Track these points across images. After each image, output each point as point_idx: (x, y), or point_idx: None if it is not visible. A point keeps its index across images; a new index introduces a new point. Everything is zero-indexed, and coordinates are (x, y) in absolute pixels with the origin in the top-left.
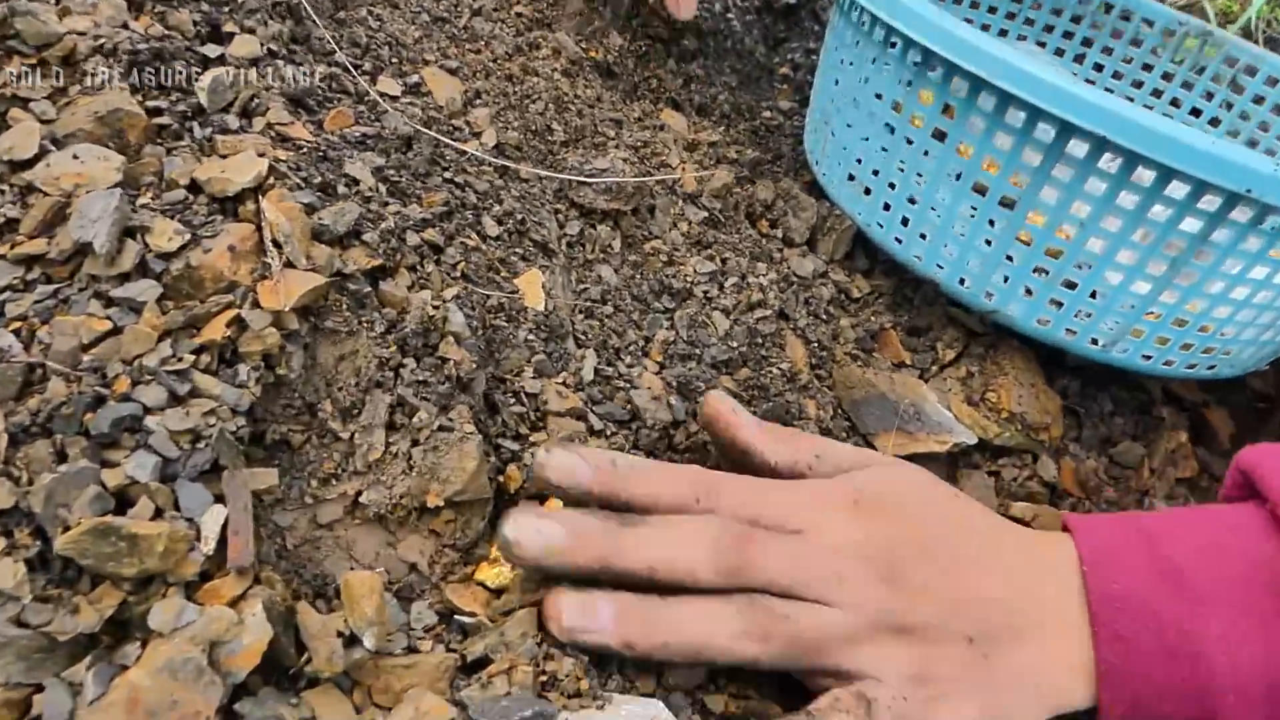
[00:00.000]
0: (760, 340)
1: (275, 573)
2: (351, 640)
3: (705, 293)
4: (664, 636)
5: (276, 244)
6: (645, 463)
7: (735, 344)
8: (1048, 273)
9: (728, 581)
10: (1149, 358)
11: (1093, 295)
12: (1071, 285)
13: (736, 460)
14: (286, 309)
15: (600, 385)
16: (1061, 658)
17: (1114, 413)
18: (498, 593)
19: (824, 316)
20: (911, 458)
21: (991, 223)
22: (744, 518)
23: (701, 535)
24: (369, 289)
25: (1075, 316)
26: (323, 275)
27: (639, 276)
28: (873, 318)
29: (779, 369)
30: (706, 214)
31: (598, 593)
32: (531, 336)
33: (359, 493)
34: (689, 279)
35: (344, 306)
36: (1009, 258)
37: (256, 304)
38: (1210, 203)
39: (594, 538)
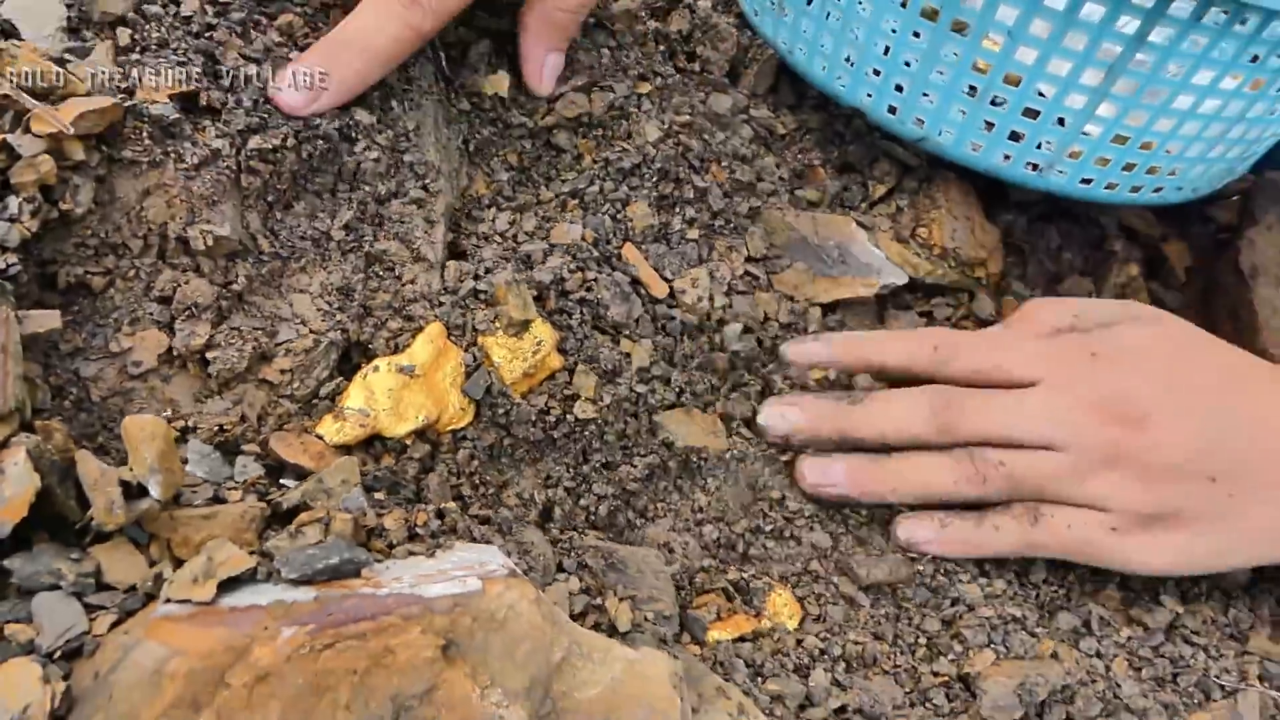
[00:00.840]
0: (674, 184)
1: (63, 422)
2: (142, 491)
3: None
4: (892, 484)
5: (58, 60)
6: (879, 333)
7: (648, 185)
8: (976, 90)
9: (945, 438)
10: (1089, 181)
11: (1027, 114)
12: (1003, 103)
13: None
14: (69, 134)
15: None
16: None
17: (1062, 248)
18: (342, 449)
19: (745, 156)
20: (838, 304)
21: (917, 34)
22: (978, 374)
23: (918, 403)
24: (177, 115)
25: (1009, 139)
26: (111, 98)
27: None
28: (800, 155)
29: (692, 213)
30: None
31: (834, 455)
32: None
33: (177, 341)
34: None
35: (145, 135)
36: (937, 74)
37: (28, 129)
38: None
39: (827, 417)
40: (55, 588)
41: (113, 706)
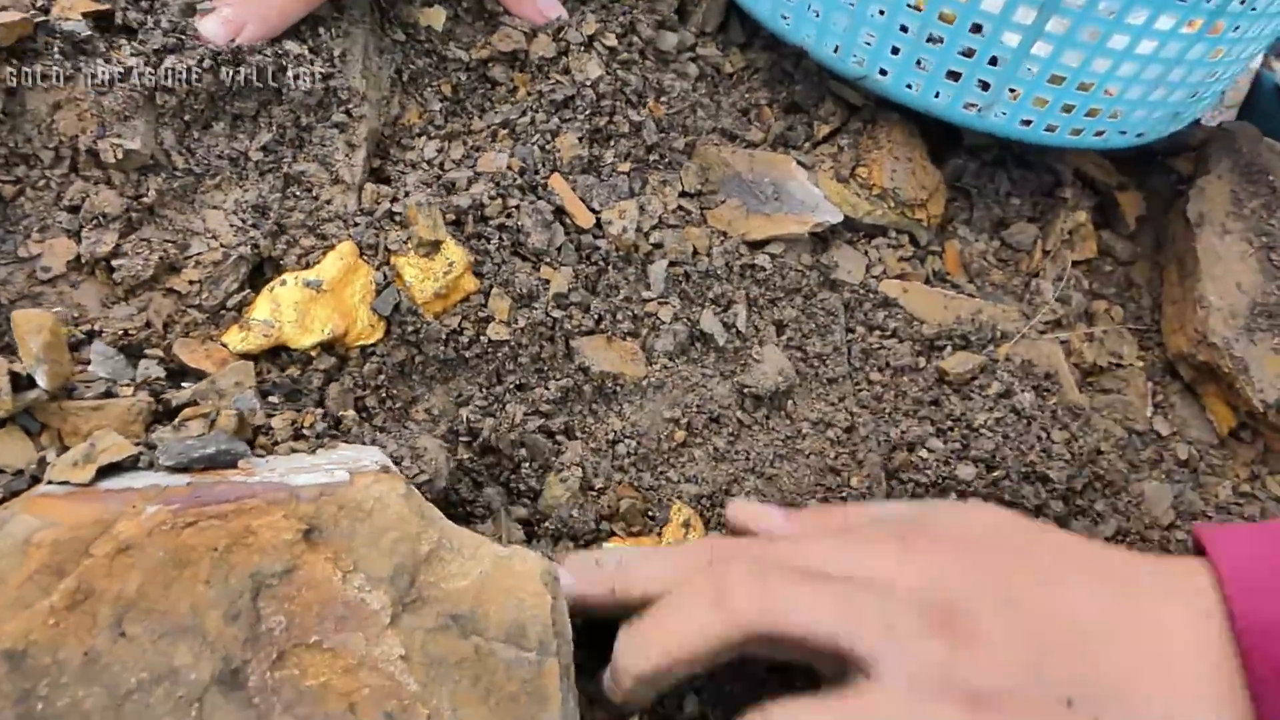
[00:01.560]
0: (608, 117)
1: None
2: (31, 382)
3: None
4: None
5: None
6: (649, 550)
7: (580, 117)
8: (908, 29)
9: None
10: (1028, 123)
11: (964, 54)
12: (939, 40)
13: None
14: None
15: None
16: None
17: (1011, 193)
18: (246, 357)
19: (684, 92)
20: (771, 240)
21: None
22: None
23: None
24: (89, 32)
25: (947, 78)
26: (22, 13)
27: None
28: (747, 95)
29: (626, 146)
30: None
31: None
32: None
33: (84, 248)
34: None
35: (57, 50)
36: (877, 12)
37: None
38: None
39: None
40: None
41: None
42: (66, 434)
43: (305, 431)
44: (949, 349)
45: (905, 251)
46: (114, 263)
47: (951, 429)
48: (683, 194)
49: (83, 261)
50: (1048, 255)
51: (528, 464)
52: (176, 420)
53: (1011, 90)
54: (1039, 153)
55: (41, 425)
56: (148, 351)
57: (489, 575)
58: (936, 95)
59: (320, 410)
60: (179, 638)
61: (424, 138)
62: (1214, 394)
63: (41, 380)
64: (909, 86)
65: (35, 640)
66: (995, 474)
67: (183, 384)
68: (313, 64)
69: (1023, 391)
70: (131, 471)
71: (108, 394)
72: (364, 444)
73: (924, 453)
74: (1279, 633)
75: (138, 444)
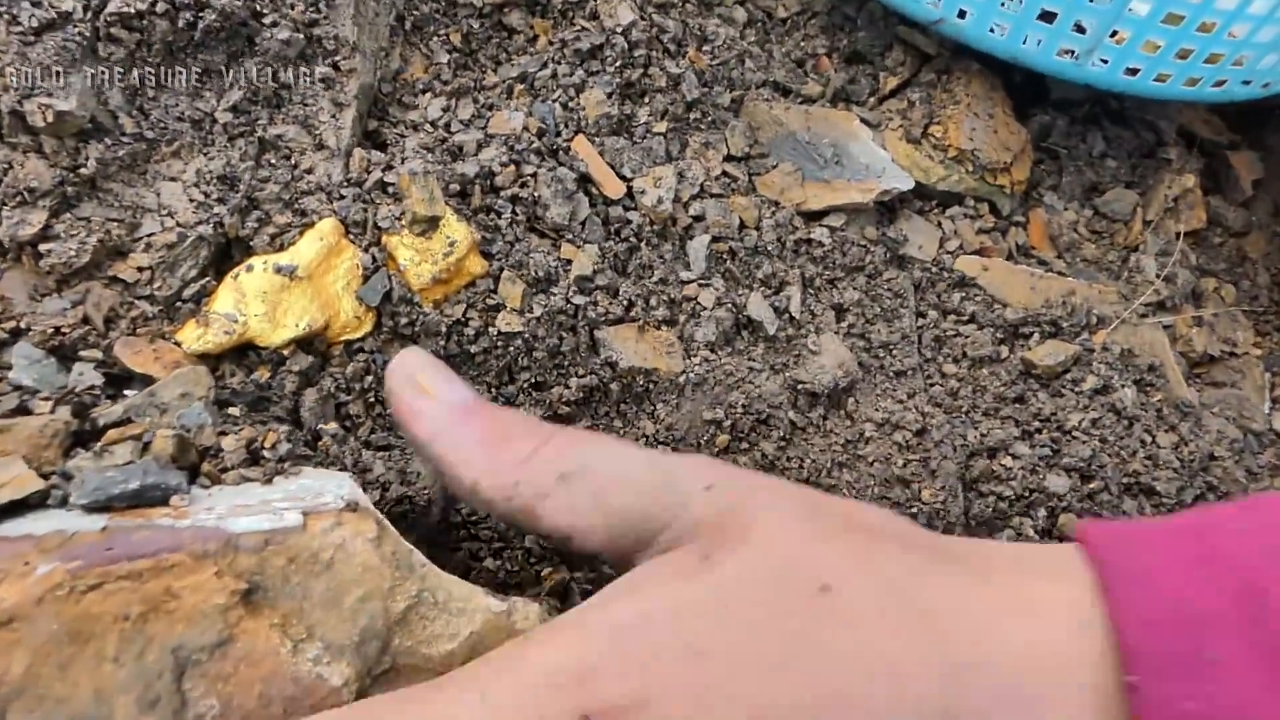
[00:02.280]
0: (642, 69)
1: None
2: None
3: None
4: None
5: None
6: None
7: (610, 70)
8: None
9: None
10: (1135, 72)
11: None
12: None
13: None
14: None
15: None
16: None
17: (1107, 154)
18: (204, 359)
19: (730, 40)
20: (830, 211)
21: None
22: None
23: None
24: None
25: (1039, 20)
26: None
27: None
28: (803, 43)
29: (663, 103)
30: None
31: None
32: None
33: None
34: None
35: None
36: None
37: None
38: None
39: None
40: None
41: None
42: None
43: (265, 454)
44: (1036, 337)
45: (985, 223)
46: (43, 247)
47: (1040, 431)
48: (728, 158)
49: (5, 246)
50: (1149, 226)
51: None
52: (100, 444)
53: (1114, 34)
54: (1138, 107)
55: None
56: (83, 354)
57: (481, 636)
58: (1025, 41)
59: (286, 427)
60: None
61: (428, 95)
62: None
63: None
64: (992, 30)
65: None
66: (1092, 485)
67: (126, 392)
68: (292, 8)
69: (1123, 387)
70: (38, 510)
71: (21, 409)
72: (342, 466)
73: (1008, 460)
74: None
75: (51, 473)
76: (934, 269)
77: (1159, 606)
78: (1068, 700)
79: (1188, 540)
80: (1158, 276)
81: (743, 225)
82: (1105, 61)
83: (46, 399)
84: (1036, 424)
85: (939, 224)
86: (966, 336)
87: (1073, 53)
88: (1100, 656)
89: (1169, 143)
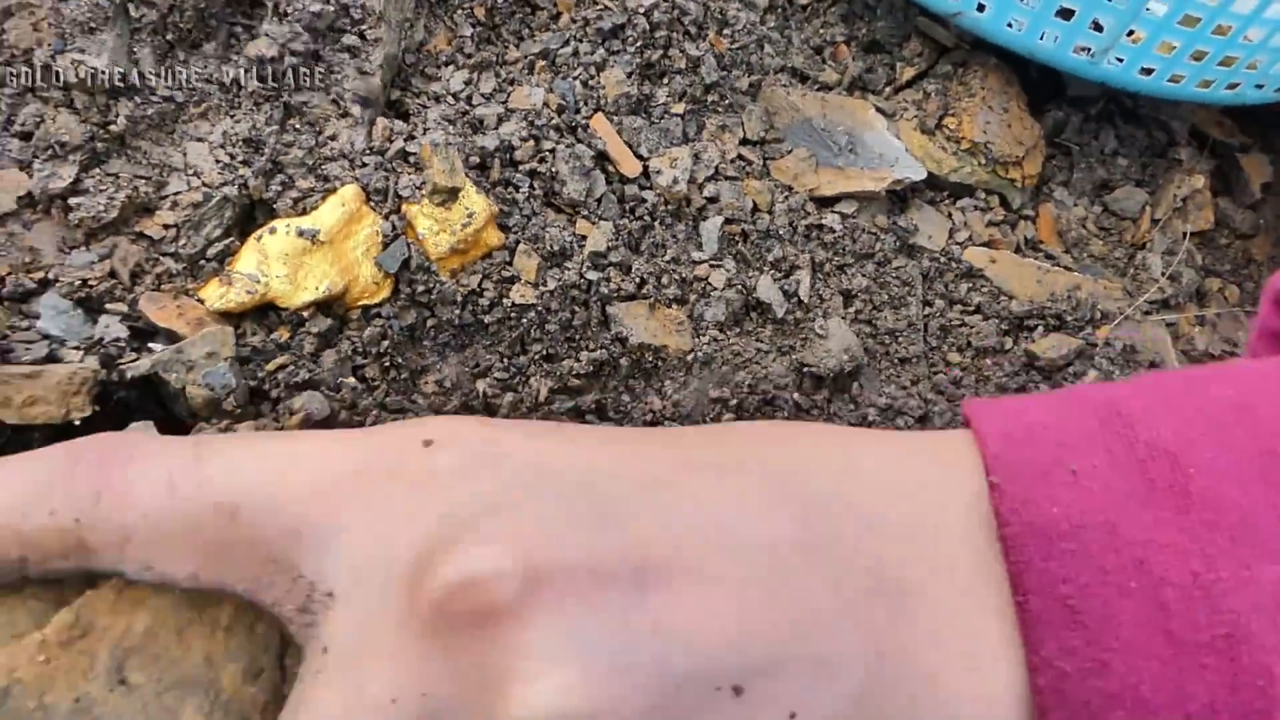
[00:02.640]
0: (662, 50)
1: None
2: None
3: None
4: None
5: None
6: None
7: (630, 49)
8: None
9: None
10: (1149, 72)
11: None
12: None
13: None
14: None
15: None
16: (958, 669)
17: (1119, 152)
18: (225, 316)
19: (751, 25)
20: (842, 197)
21: None
22: None
23: None
24: None
25: (1057, 16)
26: None
27: None
28: (822, 30)
29: (681, 84)
30: None
31: None
32: None
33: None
34: None
35: None
36: None
37: None
38: None
39: None
40: None
41: None
42: (1, 406)
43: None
44: (1040, 329)
45: (995, 215)
46: (72, 201)
47: None
48: (744, 141)
49: (35, 198)
50: (1156, 224)
51: None
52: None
53: (1131, 33)
54: (1151, 107)
55: None
56: (109, 306)
57: None
58: (1042, 36)
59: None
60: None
61: (451, 67)
62: None
63: None
64: (1010, 25)
65: (20, 679)
66: None
67: (151, 345)
68: None
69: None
70: None
71: (50, 358)
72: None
73: None
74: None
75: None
76: (942, 259)
77: (1020, 427)
78: (946, 494)
79: (1062, 394)
80: (1163, 275)
81: (755, 208)
82: (1121, 60)
83: (75, 348)
84: None
85: (949, 215)
86: (972, 327)
87: (1089, 50)
88: (974, 469)
89: (1180, 143)
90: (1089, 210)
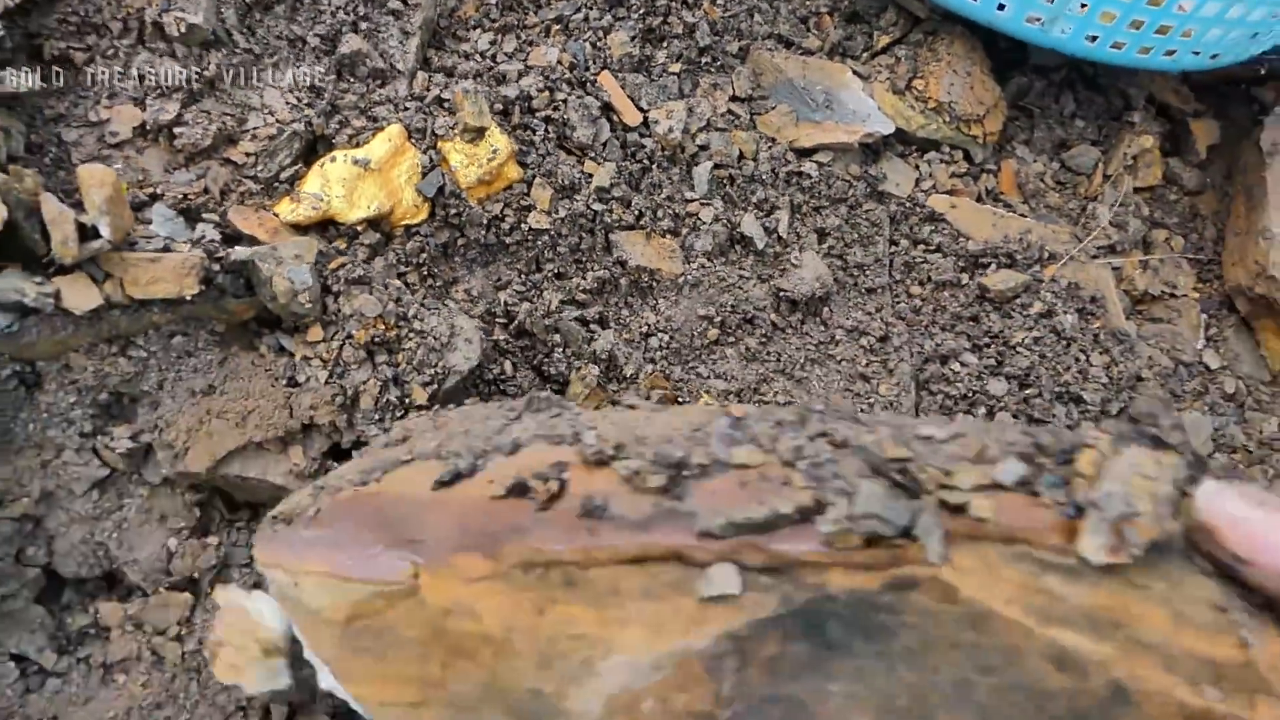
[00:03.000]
0: (661, 17)
1: (41, 175)
2: (96, 233)
3: None
4: None
5: None
6: None
7: (634, 16)
8: None
9: None
10: (1094, 39)
11: None
12: None
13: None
14: None
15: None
16: None
17: (1077, 115)
18: (295, 228)
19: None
20: (819, 148)
21: None
22: None
23: None
24: None
25: None
26: None
27: None
28: (807, 2)
29: (678, 47)
30: None
31: None
32: None
33: (148, 115)
34: None
35: None
36: None
37: None
38: None
39: None
40: (20, 304)
41: None
42: (128, 284)
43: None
44: (993, 266)
45: (958, 168)
46: (176, 130)
47: (988, 345)
48: (733, 98)
49: (147, 128)
50: (1108, 180)
51: (560, 349)
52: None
53: (1083, 4)
54: (1111, 75)
55: (106, 274)
56: (205, 216)
57: None
58: (1000, 8)
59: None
60: None
61: (479, 30)
62: (1269, 329)
63: (104, 231)
64: None
65: None
66: (1028, 391)
67: (237, 248)
68: None
69: (1065, 313)
70: None
71: (165, 249)
72: (401, 317)
73: (956, 366)
74: None
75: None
76: (908, 204)
77: None
78: None
79: None
80: (1110, 222)
81: (742, 156)
82: (1068, 29)
83: (184, 244)
84: (986, 339)
85: (916, 166)
86: (932, 263)
87: (1040, 20)
88: None
89: (1136, 108)
90: (1047, 166)
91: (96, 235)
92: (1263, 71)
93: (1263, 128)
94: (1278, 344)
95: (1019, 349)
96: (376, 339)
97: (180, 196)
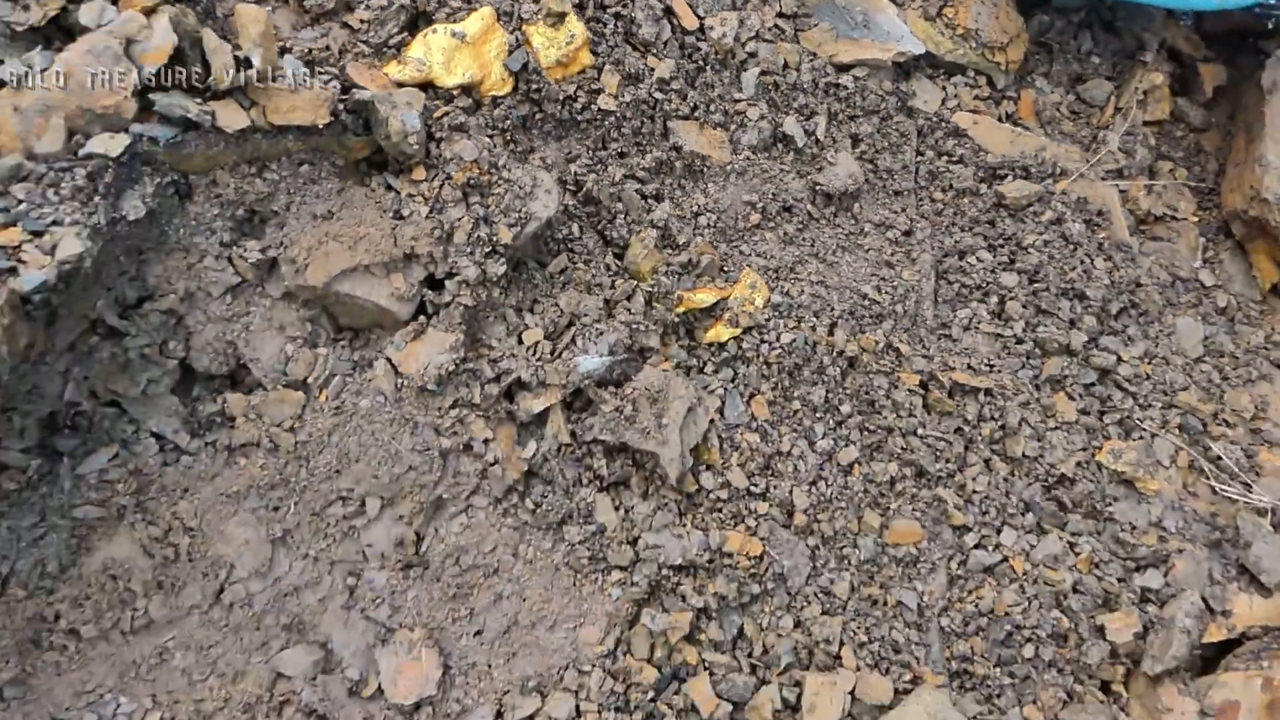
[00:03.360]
0: None
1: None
2: (248, 64)
3: None
4: None
5: None
6: None
7: None
8: None
9: None
10: None
11: None
12: None
13: None
14: None
15: None
16: None
17: (1093, 53)
18: (400, 86)
19: None
20: (856, 64)
21: None
22: None
23: None
24: None
25: None
26: None
27: None
28: None
29: None
30: None
31: None
32: None
33: None
34: None
35: None
36: None
37: None
38: None
39: None
40: (184, 119)
41: None
42: (270, 112)
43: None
44: (1010, 177)
45: (981, 92)
46: None
47: (1002, 245)
48: (780, 14)
49: None
50: (1119, 112)
51: (622, 215)
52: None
53: None
54: (1128, 19)
55: (251, 101)
56: (326, 68)
57: None
58: None
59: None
60: None
61: None
62: (1262, 250)
63: (255, 60)
64: None
65: None
66: (1036, 285)
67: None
68: None
69: (1074, 221)
70: None
71: (297, 88)
72: (493, 165)
73: (973, 259)
74: None
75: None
76: (934, 119)
77: None
78: None
79: None
80: (1118, 148)
81: (786, 65)
82: None
83: (310, 77)
84: (1000, 240)
85: (943, 87)
86: (954, 173)
87: None
88: None
89: (1150, 49)
90: (1064, 97)
91: (249, 65)
92: (1270, 25)
93: (1264, 69)
94: (1269, 265)
95: (1030, 249)
96: (471, 181)
97: (306, 50)
